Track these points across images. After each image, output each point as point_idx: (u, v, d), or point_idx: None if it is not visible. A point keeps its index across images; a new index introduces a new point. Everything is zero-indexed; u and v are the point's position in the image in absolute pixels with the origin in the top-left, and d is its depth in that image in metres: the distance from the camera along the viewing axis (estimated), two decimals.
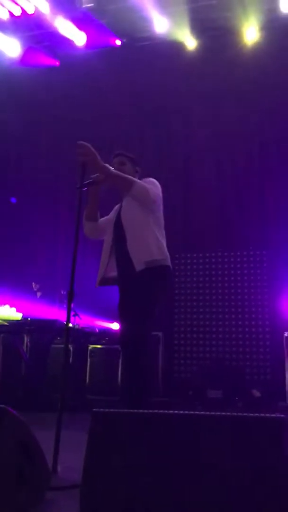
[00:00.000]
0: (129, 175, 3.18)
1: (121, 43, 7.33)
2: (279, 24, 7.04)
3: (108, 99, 7.91)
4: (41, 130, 8.35)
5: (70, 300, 2.85)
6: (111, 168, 2.98)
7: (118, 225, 3.20)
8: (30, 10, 7.02)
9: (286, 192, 7.21)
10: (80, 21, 7.29)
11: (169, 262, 3.11)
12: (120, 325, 3.21)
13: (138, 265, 2.96)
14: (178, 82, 7.69)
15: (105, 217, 3.42)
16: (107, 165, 2.96)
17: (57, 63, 7.78)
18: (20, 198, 8.13)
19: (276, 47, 7.16)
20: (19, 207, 8.09)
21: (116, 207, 3.40)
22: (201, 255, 6.84)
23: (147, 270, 2.95)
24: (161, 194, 3.21)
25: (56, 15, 7.06)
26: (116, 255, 3.20)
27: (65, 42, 7.51)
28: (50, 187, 8.27)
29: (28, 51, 7.65)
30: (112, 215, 3.39)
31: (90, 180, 3.01)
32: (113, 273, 3.18)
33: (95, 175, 3.01)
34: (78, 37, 7.40)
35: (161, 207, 3.22)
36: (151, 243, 3.03)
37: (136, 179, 3.10)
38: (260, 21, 6.94)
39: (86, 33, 7.42)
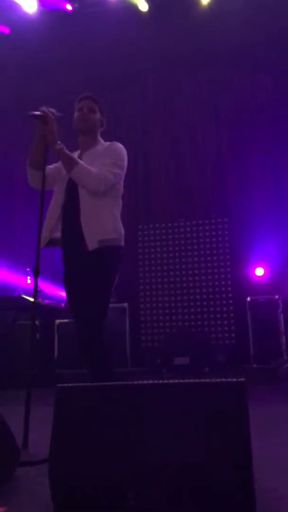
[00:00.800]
0: (93, 126, 3.00)
1: (72, 8, 7.10)
2: None
3: (59, 67, 7.73)
4: None
5: (36, 276, 2.77)
6: (64, 148, 2.80)
7: (72, 189, 2.90)
8: None
9: (245, 159, 7.29)
10: None
11: (123, 242, 2.94)
12: (71, 302, 2.94)
13: (92, 244, 2.79)
14: (132, 48, 7.55)
15: (55, 165, 3.04)
16: (59, 143, 2.77)
17: (6, 30, 7.50)
18: None
19: (230, 11, 7.10)
20: None
21: (75, 155, 2.99)
22: (163, 225, 6.88)
23: (100, 249, 2.79)
24: (125, 165, 2.99)
25: None
26: (65, 223, 2.93)
27: (16, 8, 7.23)
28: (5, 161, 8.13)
29: None
30: (61, 165, 2.97)
31: (40, 114, 2.71)
32: (58, 234, 2.95)
33: (45, 110, 2.74)
34: (29, 3, 7.14)
35: (122, 179, 3.00)
36: (106, 220, 2.85)
37: (82, 165, 2.81)
38: None
39: None
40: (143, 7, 7.06)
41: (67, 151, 2.84)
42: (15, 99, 7.97)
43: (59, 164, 3.00)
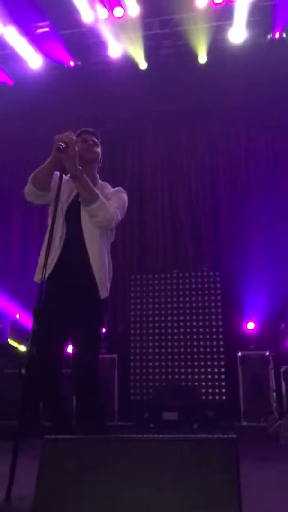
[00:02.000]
0: (97, 159, 2.90)
1: (75, 64, 7.41)
2: (227, 51, 7.32)
3: (60, 121, 7.95)
4: None
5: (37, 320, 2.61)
6: (81, 173, 2.61)
7: (74, 219, 2.73)
8: None
9: (240, 213, 7.42)
10: (38, 41, 7.34)
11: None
12: (50, 346, 2.64)
13: (103, 292, 2.70)
14: (131, 104, 7.85)
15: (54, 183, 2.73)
16: (80, 169, 2.60)
17: (10, 82, 7.78)
18: None
19: (225, 72, 7.45)
20: None
21: (66, 181, 2.77)
22: (156, 275, 6.88)
23: (104, 299, 2.74)
24: (125, 211, 2.93)
25: (15, 35, 7.11)
26: (66, 258, 2.69)
27: (21, 62, 7.54)
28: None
29: None
30: (62, 186, 2.65)
31: (62, 146, 2.52)
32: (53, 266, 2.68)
33: (68, 137, 2.56)
34: (34, 59, 7.45)
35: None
36: (108, 266, 2.79)
37: (102, 199, 2.65)
38: (209, 48, 7.17)
39: (42, 53, 7.47)
40: (143, 65, 7.38)
41: (88, 180, 2.63)
42: (15, 148, 8.20)
43: (55, 181, 2.72)
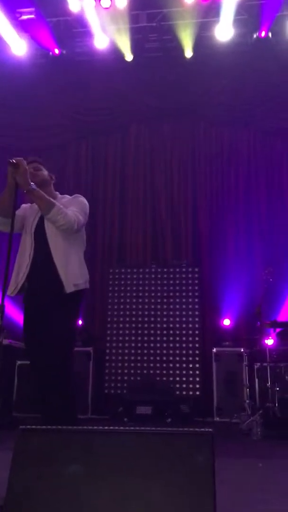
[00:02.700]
0: (45, 180, 3.14)
1: (59, 53, 7.31)
2: (213, 48, 7.33)
3: (44, 109, 7.93)
4: None
5: (1, 315, 2.71)
6: (37, 189, 2.90)
7: (41, 234, 3.03)
8: None
9: (219, 211, 7.46)
10: (23, 27, 7.23)
11: (88, 285, 3.08)
12: (34, 347, 2.94)
13: (68, 287, 2.91)
14: (115, 98, 7.82)
15: (21, 210, 3.17)
16: (32, 184, 2.89)
17: None
18: None
19: (210, 68, 7.48)
20: None
21: (29, 207, 3.20)
22: (135, 270, 6.85)
23: (73, 293, 2.93)
24: (88, 212, 3.17)
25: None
26: (35, 267, 3.00)
27: (5, 49, 7.42)
28: None
29: None
30: (27, 212, 3.16)
31: (13, 161, 2.83)
32: (23, 281, 3.02)
33: (19, 158, 2.86)
34: (18, 45, 7.33)
35: (83, 228, 3.17)
36: (75, 265, 3.00)
37: (59, 205, 2.94)
38: (196, 44, 7.17)
39: (27, 39, 7.36)
40: (128, 57, 7.33)
41: (42, 192, 2.93)
42: None
43: (24, 210, 3.18)
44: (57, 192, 3.27)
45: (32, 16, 7.09)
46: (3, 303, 2.70)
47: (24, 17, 7.15)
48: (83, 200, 3.20)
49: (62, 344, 2.86)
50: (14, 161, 2.84)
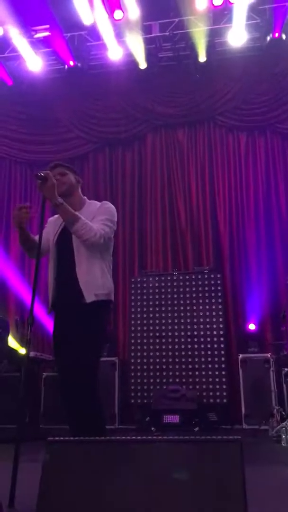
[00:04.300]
0: (72, 185, 3.10)
1: (74, 65, 7.40)
2: (226, 54, 7.35)
3: (61, 123, 8.07)
4: None
5: (30, 327, 2.73)
6: (64, 203, 2.89)
7: (64, 245, 3.00)
8: None
9: (239, 217, 7.41)
10: (38, 43, 7.40)
11: (112, 297, 3.02)
12: (62, 354, 2.93)
13: (89, 296, 2.87)
14: (131, 108, 7.89)
15: (43, 236, 3.00)
16: (59, 198, 2.88)
17: (10, 81, 7.80)
18: None
19: (224, 74, 7.50)
20: None
21: (55, 219, 3.19)
22: (156, 278, 6.83)
23: (95, 303, 2.88)
24: (115, 220, 3.11)
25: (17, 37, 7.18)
26: (60, 279, 3.01)
27: (22, 63, 7.60)
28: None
29: None
30: (51, 228, 3.15)
31: (41, 175, 2.84)
32: (52, 295, 3.03)
33: (46, 172, 2.88)
34: (34, 61, 7.48)
35: (112, 235, 3.11)
36: (98, 276, 2.95)
37: (83, 220, 2.90)
38: (209, 51, 7.19)
39: (43, 55, 7.52)
40: (142, 68, 7.38)
41: (68, 206, 2.91)
42: (17, 149, 8.24)
43: (48, 227, 3.18)
44: (85, 197, 3.22)
45: (47, 33, 7.24)
46: (31, 317, 2.73)
47: (39, 35, 7.31)
48: (110, 207, 3.13)
49: (86, 357, 2.82)
50: (42, 174, 2.85)
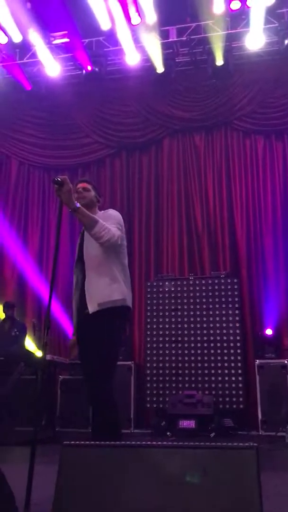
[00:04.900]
0: (91, 201, 3.20)
1: (92, 69, 7.45)
2: (244, 58, 7.34)
3: (78, 128, 8.14)
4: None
5: (47, 330, 2.76)
6: (81, 207, 2.95)
7: (81, 262, 3.14)
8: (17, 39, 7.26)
9: (257, 222, 7.36)
10: (57, 49, 7.48)
11: (128, 303, 3.05)
12: (82, 363, 3.07)
13: (92, 307, 2.94)
14: (148, 113, 7.91)
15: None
16: (76, 203, 2.95)
17: (28, 86, 7.89)
18: None
19: (242, 78, 7.48)
20: None
21: (79, 241, 3.31)
22: (173, 283, 6.81)
23: (100, 312, 2.92)
24: (123, 224, 3.20)
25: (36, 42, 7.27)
26: (75, 296, 3.16)
27: (41, 69, 7.69)
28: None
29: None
30: (76, 250, 3.32)
31: (58, 179, 2.89)
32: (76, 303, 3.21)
33: (63, 177, 2.93)
34: (53, 66, 7.57)
35: (124, 241, 3.19)
36: (107, 284, 2.98)
37: (102, 222, 2.98)
38: (226, 55, 7.18)
39: (61, 60, 7.61)
40: (160, 73, 7.40)
41: (85, 210, 2.97)
42: (34, 154, 8.33)
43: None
44: (98, 211, 3.31)
45: (66, 40, 7.32)
46: (48, 320, 2.75)
47: (58, 41, 7.40)
48: (115, 212, 3.22)
49: (100, 362, 2.89)
50: (59, 179, 2.90)
